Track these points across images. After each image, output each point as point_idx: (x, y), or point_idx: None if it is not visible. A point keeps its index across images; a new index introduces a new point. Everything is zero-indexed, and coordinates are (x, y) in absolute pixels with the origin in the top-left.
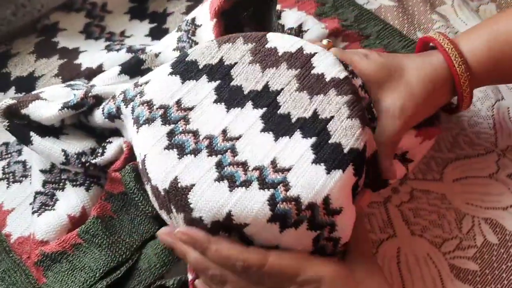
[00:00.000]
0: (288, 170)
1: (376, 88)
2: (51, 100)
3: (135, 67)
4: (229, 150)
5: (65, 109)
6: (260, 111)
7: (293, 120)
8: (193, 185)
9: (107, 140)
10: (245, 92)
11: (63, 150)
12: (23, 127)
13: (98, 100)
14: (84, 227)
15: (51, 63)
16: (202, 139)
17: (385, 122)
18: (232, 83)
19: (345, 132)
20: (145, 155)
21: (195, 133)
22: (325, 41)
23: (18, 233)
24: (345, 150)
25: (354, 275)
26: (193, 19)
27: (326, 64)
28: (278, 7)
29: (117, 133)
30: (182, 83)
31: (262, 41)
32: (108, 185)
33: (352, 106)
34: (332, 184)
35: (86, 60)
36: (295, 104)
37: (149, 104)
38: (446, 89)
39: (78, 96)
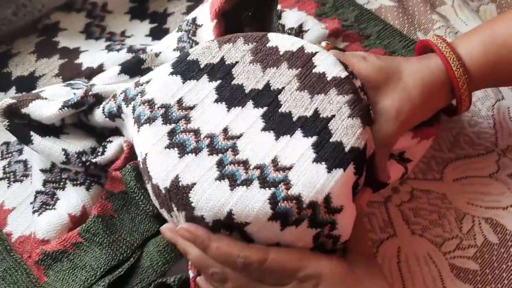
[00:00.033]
0: (289, 169)
1: (374, 90)
2: (51, 99)
3: (135, 67)
4: (230, 149)
5: (66, 108)
6: (261, 110)
7: (294, 119)
8: (194, 184)
9: (108, 139)
10: (246, 91)
11: (63, 150)
12: (23, 127)
13: (98, 99)
14: (85, 226)
15: (51, 63)
16: (203, 138)
17: (381, 124)
18: (233, 82)
19: (346, 131)
20: (146, 154)
21: (196, 132)
22: (323, 43)
23: (19, 232)
24: (346, 149)
25: (354, 274)
26: (194, 19)
27: (327, 64)
28: (279, 7)
29: (117, 132)
30: (183, 82)
31: (263, 41)
32: (109, 184)
33: (353, 106)
34: (333, 183)
35: (86, 60)
36: (296, 103)
37: (150, 103)
38: (444, 92)
39: (78, 95)
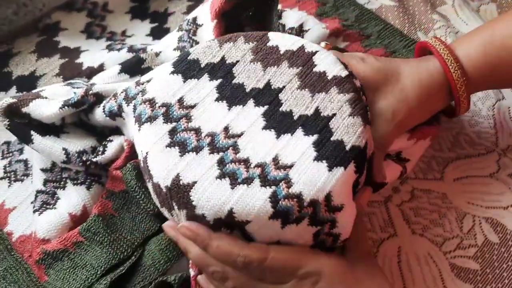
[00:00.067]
0: (290, 167)
1: (372, 91)
2: (51, 99)
3: (135, 66)
4: (231, 148)
5: (66, 107)
6: (262, 109)
7: (295, 117)
8: (195, 182)
9: (108, 139)
10: (247, 90)
11: (64, 149)
12: (24, 126)
13: (99, 98)
14: (86, 225)
15: (52, 62)
16: (204, 137)
17: (378, 124)
18: (233, 81)
19: (347, 129)
20: (147, 153)
21: (197, 131)
22: (323, 44)
23: (19, 231)
24: (347, 148)
25: (354, 273)
26: (194, 19)
27: (328, 63)
28: (279, 7)
29: (118, 131)
30: (184, 81)
31: (263, 40)
32: (109, 183)
33: (354, 104)
34: (334, 181)
35: (87, 60)
36: (297, 101)
37: (151, 102)
38: (442, 94)
39: (79, 94)
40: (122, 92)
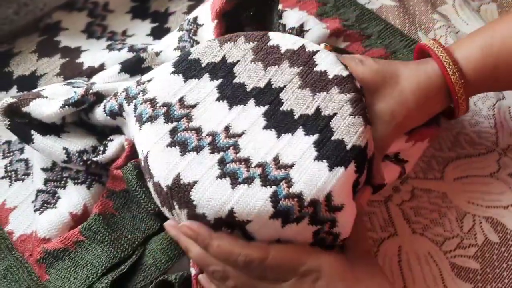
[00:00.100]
0: (291, 166)
1: (371, 93)
2: (51, 98)
3: (135, 66)
4: (231, 147)
5: (66, 106)
6: (263, 109)
7: (296, 117)
8: (196, 182)
9: (108, 138)
10: (248, 90)
11: (64, 148)
12: (24, 126)
13: (99, 97)
14: (86, 224)
15: (53, 62)
16: (205, 136)
17: (376, 126)
18: (234, 81)
19: (348, 129)
20: (147, 152)
21: (198, 130)
22: (322, 45)
23: (20, 230)
24: (348, 147)
25: (354, 272)
26: (195, 18)
27: (328, 62)
28: (280, 7)
29: (118, 130)
30: (185, 81)
31: (264, 40)
32: (110, 183)
33: (355, 104)
34: (335, 181)
35: (88, 59)
36: (298, 101)
37: (152, 102)
38: (441, 97)
39: (79, 93)
40: (123, 92)
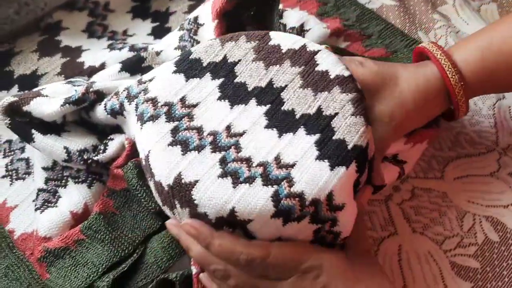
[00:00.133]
0: (292, 166)
1: (371, 95)
2: (52, 97)
3: (135, 65)
4: (233, 146)
5: (67, 105)
6: (264, 108)
7: (297, 116)
8: (197, 181)
9: (109, 137)
10: (249, 89)
11: (65, 147)
12: (25, 125)
13: (100, 95)
14: (87, 223)
15: (54, 61)
16: (206, 136)
17: (375, 128)
18: (236, 80)
19: (349, 128)
20: (149, 151)
21: (199, 130)
22: (323, 46)
23: (21, 229)
24: (349, 147)
25: (354, 272)
26: (196, 18)
27: (330, 62)
28: (280, 6)
29: (118, 130)
30: (186, 80)
31: (265, 39)
32: (110, 182)
33: (357, 104)
34: (336, 181)
35: (88, 59)
36: (299, 100)
37: (154, 101)
38: (440, 99)
39: (80, 91)
40: (124, 91)
